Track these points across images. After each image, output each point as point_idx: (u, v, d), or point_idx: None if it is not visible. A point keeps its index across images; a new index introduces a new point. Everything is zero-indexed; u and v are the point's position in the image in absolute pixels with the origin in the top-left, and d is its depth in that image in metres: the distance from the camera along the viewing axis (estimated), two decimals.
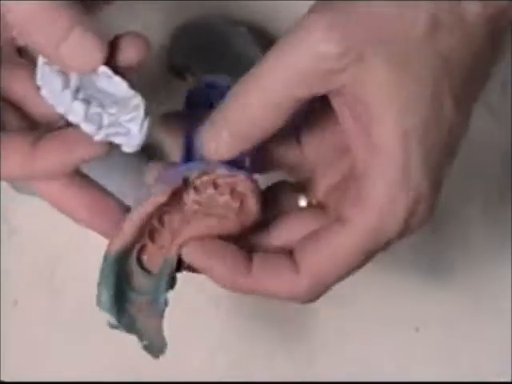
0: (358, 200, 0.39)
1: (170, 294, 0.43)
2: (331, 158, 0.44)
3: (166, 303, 0.42)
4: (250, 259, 0.42)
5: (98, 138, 0.39)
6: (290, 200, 0.45)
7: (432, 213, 0.40)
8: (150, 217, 0.42)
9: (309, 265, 0.41)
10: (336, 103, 0.40)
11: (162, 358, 0.66)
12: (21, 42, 0.40)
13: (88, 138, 0.39)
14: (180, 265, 0.42)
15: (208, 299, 0.63)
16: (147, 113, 0.39)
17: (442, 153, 0.39)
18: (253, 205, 0.41)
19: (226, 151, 0.41)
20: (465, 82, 0.39)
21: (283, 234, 0.43)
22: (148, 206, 0.41)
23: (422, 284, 0.64)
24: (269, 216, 0.44)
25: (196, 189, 0.42)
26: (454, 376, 0.65)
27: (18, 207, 0.66)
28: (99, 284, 0.42)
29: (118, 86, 0.39)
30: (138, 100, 0.39)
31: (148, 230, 0.42)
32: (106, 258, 0.42)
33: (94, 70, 0.39)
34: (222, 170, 0.41)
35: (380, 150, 0.38)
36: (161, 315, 0.43)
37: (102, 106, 0.39)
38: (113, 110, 0.39)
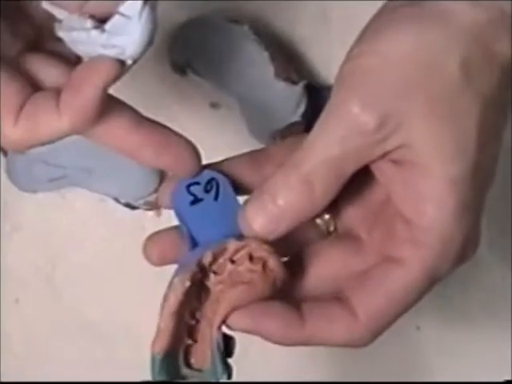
0: (413, 244, 0.40)
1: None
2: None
3: None
4: (298, 310, 0.41)
5: (102, 41, 0.38)
6: (309, 228, 0.44)
7: (478, 245, 0.41)
8: (182, 312, 0.41)
9: (367, 309, 0.40)
10: (377, 168, 0.41)
11: None
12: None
13: (95, 66, 0.38)
14: (229, 347, 0.42)
15: None
16: (145, 4, 0.38)
17: (486, 189, 0.40)
18: (275, 265, 0.41)
19: (275, 229, 0.40)
20: (497, 115, 0.40)
21: (321, 273, 0.43)
22: (175, 299, 0.41)
23: None
24: (293, 250, 0.44)
25: (215, 272, 0.41)
26: (454, 376, 0.65)
27: (19, 205, 0.66)
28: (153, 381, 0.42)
29: None
30: None
31: (186, 330, 0.42)
32: (153, 359, 0.41)
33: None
34: (234, 243, 0.41)
35: (430, 200, 0.39)
36: None
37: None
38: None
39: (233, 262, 0.41)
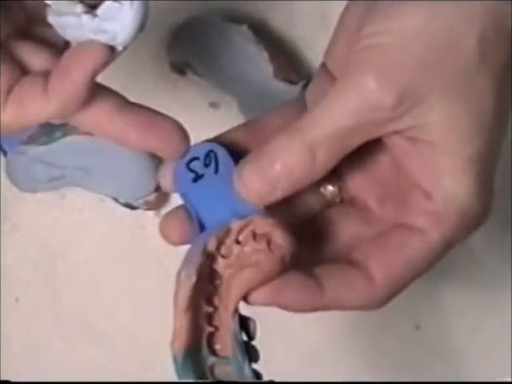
0: (432, 215, 0.40)
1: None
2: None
3: (255, 374, 0.40)
4: (315, 277, 0.41)
5: (93, 25, 0.37)
6: (313, 195, 0.44)
7: (490, 212, 0.42)
8: (195, 305, 0.40)
9: (384, 273, 0.41)
10: (391, 142, 0.41)
11: (161, 359, 0.66)
12: None
13: (85, 51, 0.38)
14: (249, 329, 0.41)
15: None
16: None
17: (498, 157, 0.41)
18: (280, 238, 0.40)
19: (271, 192, 0.40)
20: (509, 91, 0.40)
21: (334, 240, 0.43)
22: (183, 296, 0.40)
23: (423, 282, 0.64)
24: (299, 218, 0.43)
25: (223, 256, 0.40)
26: (453, 375, 0.65)
27: (19, 205, 0.66)
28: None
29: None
30: None
31: (205, 318, 0.41)
32: (175, 359, 0.40)
33: None
34: (237, 222, 0.40)
35: (448, 175, 0.39)
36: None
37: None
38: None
39: (238, 242, 0.40)
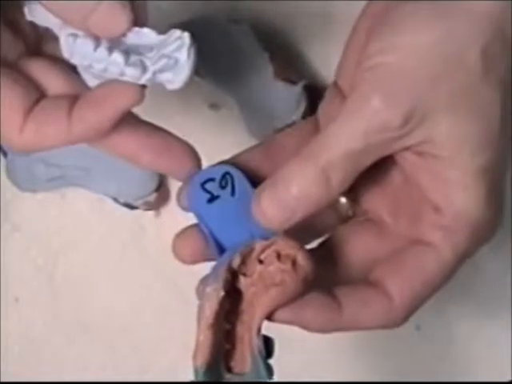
0: (444, 229, 0.40)
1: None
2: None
3: None
4: (334, 296, 0.41)
5: (145, 78, 0.38)
6: (327, 210, 0.44)
7: (500, 224, 0.42)
8: (219, 320, 0.41)
9: (402, 291, 0.41)
10: (401, 158, 0.41)
11: (161, 359, 0.66)
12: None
13: (121, 89, 0.38)
14: (268, 348, 0.42)
15: None
16: (192, 42, 0.38)
17: (505, 170, 0.41)
18: (304, 259, 0.40)
19: (289, 218, 0.40)
20: None
21: (350, 258, 0.43)
22: (211, 309, 0.40)
23: None
24: (312, 236, 0.44)
25: (245, 274, 0.41)
26: (454, 375, 0.65)
27: (19, 205, 0.66)
28: None
29: (148, 35, 0.38)
30: (178, 32, 0.38)
31: (224, 335, 0.41)
32: (196, 372, 0.40)
33: (124, 33, 0.38)
34: (260, 242, 0.41)
35: (459, 189, 0.39)
36: None
37: (140, 54, 0.38)
38: (151, 55, 0.38)
39: (260, 261, 0.41)
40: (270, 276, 0.41)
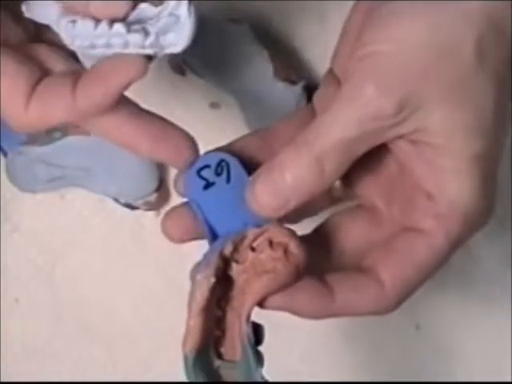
0: (437, 217, 0.41)
1: None
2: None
3: (263, 380, 0.41)
4: (326, 283, 0.42)
5: (149, 42, 0.38)
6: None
7: (493, 210, 0.42)
8: (209, 307, 0.41)
9: (393, 278, 0.41)
10: (395, 146, 0.41)
11: (161, 359, 0.66)
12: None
13: (124, 62, 0.38)
14: (258, 335, 0.42)
15: None
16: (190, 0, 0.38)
17: (499, 160, 0.41)
18: (296, 248, 0.41)
19: (283, 206, 0.40)
20: (509, 89, 0.40)
21: (344, 245, 0.44)
22: (201, 296, 0.40)
23: None
24: (303, 216, 0.45)
25: (237, 261, 0.41)
26: (453, 376, 0.65)
27: (19, 205, 0.66)
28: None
29: (146, 9, 0.39)
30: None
31: (214, 321, 0.42)
32: (186, 358, 0.41)
33: (126, 15, 0.39)
34: (253, 230, 0.41)
35: (452, 176, 0.40)
36: None
37: (141, 23, 0.39)
38: (152, 22, 0.39)
39: (253, 249, 0.41)
40: (261, 263, 0.41)
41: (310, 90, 0.62)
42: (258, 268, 0.41)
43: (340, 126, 0.39)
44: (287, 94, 0.62)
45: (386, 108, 0.38)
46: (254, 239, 0.41)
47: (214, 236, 0.42)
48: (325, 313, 0.42)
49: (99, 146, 0.63)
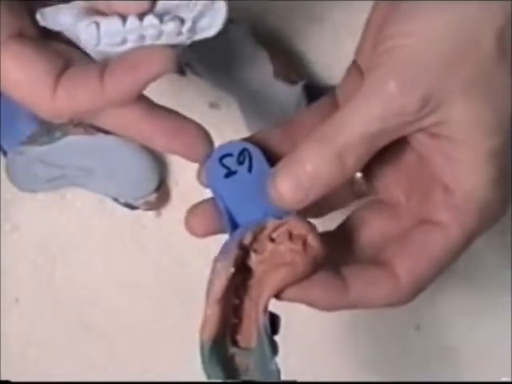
0: (453, 210, 0.41)
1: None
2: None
3: (277, 369, 0.42)
4: (341, 276, 0.42)
5: (186, 28, 0.38)
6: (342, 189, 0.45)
7: (509, 205, 0.42)
8: (227, 296, 0.41)
9: (409, 271, 0.42)
10: (414, 139, 0.41)
11: (161, 359, 0.66)
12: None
13: (155, 53, 0.38)
14: (274, 325, 0.42)
15: None
16: None
17: None
18: (315, 241, 0.41)
19: (304, 198, 0.41)
20: None
21: (363, 239, 0.44)
22: (219, 285, 0.41)
23: None
24: (328, 208, 0.45)
25: (255, 251, 0.42)
26: (453, 376, 0.65)
27: (19, 205, 0.66)
28: (205, 371, 0.42)
29: (167, 2, 0.39)
30: None
31: (232, 310, 0.42)
32: (202, 346, 0.41)
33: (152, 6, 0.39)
34: (273, 221, 0.41)
35: (470, 169, 0.40)
36: (277, 378, 0.43)
37: (167, 13, 0.39)
38: (181, 10, 0.39)
39: (272, 239, 0.41)
40: (280, 255, 0.41)
41: (310, 90, 0.62)
42: (276, 259, 0.41)
43: (362, 122, 0.39)
44: (287, 93, 0.62)
45: (409, 105, 0.38)
46: (274, 230, 0.41)
47: (234, 226, 0.42)
48: (339, 305, 0.42)
49: (99, 146, 0.63)
